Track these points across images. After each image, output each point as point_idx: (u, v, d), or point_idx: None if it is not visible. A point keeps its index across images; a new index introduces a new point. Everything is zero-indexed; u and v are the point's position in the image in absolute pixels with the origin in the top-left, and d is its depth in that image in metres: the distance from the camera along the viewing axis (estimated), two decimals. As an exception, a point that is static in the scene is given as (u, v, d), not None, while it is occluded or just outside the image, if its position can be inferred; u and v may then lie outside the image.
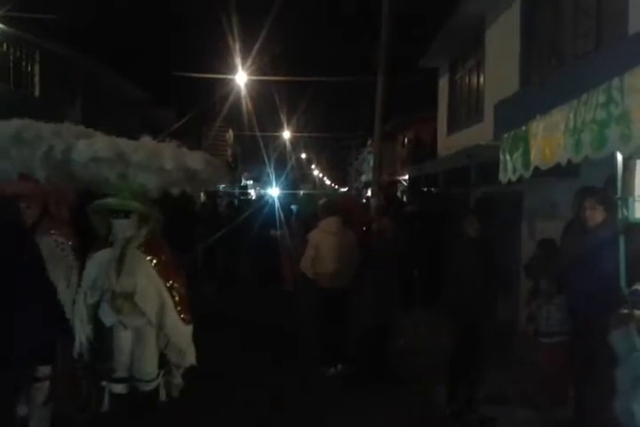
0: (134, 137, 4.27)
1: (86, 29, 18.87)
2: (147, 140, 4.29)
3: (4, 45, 14.86)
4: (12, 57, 15.27)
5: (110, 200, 4.25)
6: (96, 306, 4.16)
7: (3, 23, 13.84)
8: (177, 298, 4.32)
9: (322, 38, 44.66)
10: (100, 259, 4.21)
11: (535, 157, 3.55)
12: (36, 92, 16.11)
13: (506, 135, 4.16)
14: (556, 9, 8.02)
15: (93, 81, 18.36)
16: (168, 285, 4.29)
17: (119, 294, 4.09)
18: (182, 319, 4.35)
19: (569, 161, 3.19)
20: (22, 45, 15.42)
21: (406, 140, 25.82)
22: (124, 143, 4.09)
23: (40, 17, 13.03)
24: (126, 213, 4.24)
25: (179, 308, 4.32)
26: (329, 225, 6.61)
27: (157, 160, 4.03)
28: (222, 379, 5.71)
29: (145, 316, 4.15)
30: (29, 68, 16.01)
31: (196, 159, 4.20)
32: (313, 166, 59.74)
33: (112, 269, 4.10)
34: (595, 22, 6.87)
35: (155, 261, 4.29)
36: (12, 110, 11.68)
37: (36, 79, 16.17)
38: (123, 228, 4.25)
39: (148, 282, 4.19)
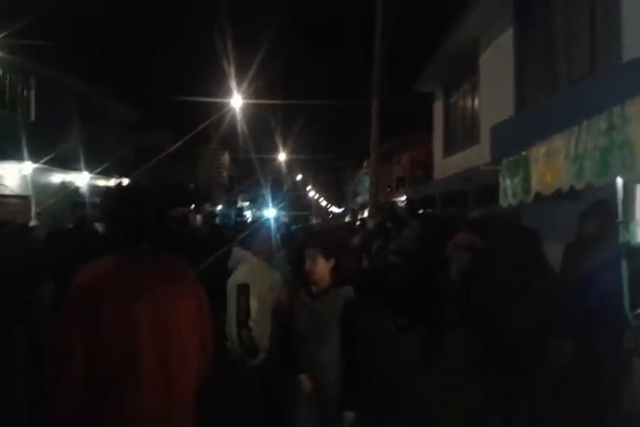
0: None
1: (81, 54, 18.99)
2: None
3: (0, 71, 14.94)
4: (8, 82, 15.34)
5: None
6: None
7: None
8: None
9: (318, 61, 45.18)
10: None
11: (536, 183, 3.55)
12: (32, 117, 16.13)
13: (505, 160, 4.15)
14: (548, 32, 8.08)
15: (89, 105, 18.40)
16: None
17: None
18: None
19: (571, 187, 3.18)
20: (18, 71, 15.49)
21: (402, 161, 25.93)
22: None
23: (35, 43, 13.10)
24: None
25: None
26: None
27: None
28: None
29: None
30: (25, 94, 16.07)
31: None
32: (309, 188, 59.82)
33: None
34: (588, 46, 6.91)
35: None
36: (9, 135, 11.71)
37: (32, 104, 16.23)
38: None
39: None
